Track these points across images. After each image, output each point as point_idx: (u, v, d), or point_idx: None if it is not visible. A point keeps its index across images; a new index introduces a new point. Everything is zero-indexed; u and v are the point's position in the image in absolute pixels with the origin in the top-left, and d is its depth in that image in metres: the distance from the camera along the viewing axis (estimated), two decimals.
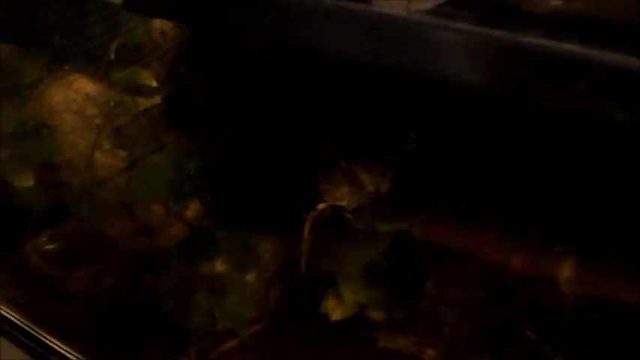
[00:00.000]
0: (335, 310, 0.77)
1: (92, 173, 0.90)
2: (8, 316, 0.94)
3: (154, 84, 0.95)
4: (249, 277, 0.85)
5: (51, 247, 1.01)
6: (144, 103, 0.95)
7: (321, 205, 0.71)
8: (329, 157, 0.73)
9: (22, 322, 0.93)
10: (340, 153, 0.73)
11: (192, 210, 0.86)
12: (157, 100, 0.96)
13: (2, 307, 0.94)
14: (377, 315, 0.74)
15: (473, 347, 0.67)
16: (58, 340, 0.93)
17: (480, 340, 0.67)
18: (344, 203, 0.71)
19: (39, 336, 0.94)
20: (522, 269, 0.60)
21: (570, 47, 0.39)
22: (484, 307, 0.66)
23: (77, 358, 0.91)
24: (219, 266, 0.85)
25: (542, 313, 0.63)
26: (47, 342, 0.93)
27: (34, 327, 0.94)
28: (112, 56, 0.97)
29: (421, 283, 0.71)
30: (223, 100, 0.90)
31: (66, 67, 0.96)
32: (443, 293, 0.69)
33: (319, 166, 0.73)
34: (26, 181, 0.92)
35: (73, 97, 0.93)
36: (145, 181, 0.84)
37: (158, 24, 0.91)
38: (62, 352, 0.92)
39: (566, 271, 0.57)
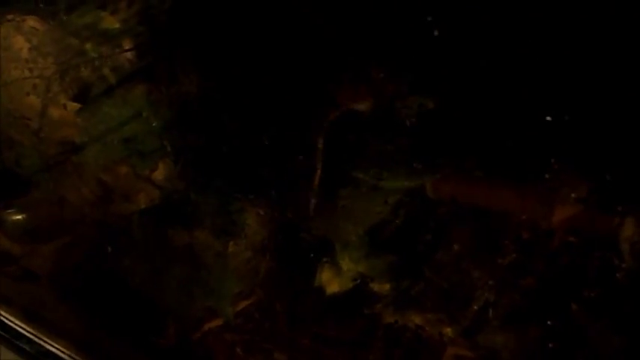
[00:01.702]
0: (331, 283, 0.65)
1: (46, 131, 0.77)
2: None
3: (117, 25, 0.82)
4: (233, 247, 0.73)
5: (13, 219, 0.90)
6: (109, 52, 0.82)
7: (336, 113, 0.58)
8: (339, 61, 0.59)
9: None
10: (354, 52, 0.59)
11: (162, 171, 0.73)
12: (124, 48, 0.83)
13: None
14: (381, 287, 0.63)
15: (499, 325, 0.55)
16: (23, 321, 0.82)
17: (509, 315, 0.55)
18: (362, 107, 0.58)
19: (2, 317, 0.84)
20: (569, 225, 0.48)
21: None
22: (514, 275, 0.54)
23: (44, 341, 0.81)
24: (197, 235, 0.73)
25: (591, 280, 0.50)
26: (11, 323, 0.83)
27: None
28: None
29: (435, 249, 0.58)
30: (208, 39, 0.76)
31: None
32: (461, 261, 0.57)
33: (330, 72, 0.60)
34: None
35: (22, 42, 0.79)
36: (100, 136, 0.71)
37: None
38: (28, 335, 0.82)
39: (628, 228, 0.44)
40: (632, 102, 0.47)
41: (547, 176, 0.49)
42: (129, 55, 0.81)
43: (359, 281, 0.64)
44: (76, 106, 0.77)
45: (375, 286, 0.63)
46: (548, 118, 0.47)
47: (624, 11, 0.44)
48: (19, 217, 0.89)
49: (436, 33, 0.48)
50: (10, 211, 0.89)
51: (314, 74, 0.62)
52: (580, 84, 0.48)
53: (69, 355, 0.80)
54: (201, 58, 0.75)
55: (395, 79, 0.56)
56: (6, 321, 0.83)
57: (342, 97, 0.60)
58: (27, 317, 0.83)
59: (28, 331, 0.82)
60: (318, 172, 0.63)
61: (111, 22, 0.82)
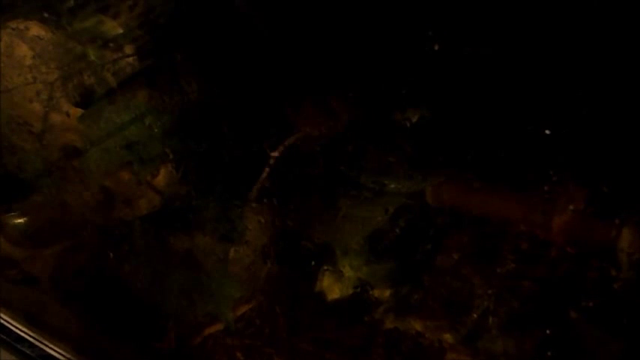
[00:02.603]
0: (332, 289, 0.66)
1: (48, 137, 0.77)
2: None
3: (120, 31, 0.82)
4: (234, 253, 0.73)
5: (14, 223, 0.90)
6: (111, 56, 0.82)
7: (291, 139, 0.59)
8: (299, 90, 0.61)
9: None
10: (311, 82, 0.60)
11: (164, 177, 0.74)
12: (126, 53, 0.83)
13: None
14: (382, 294, 0.63)
15: (499, 332, 0.56)
16: (24, 324, 0.83)
17: (508, 323, 0.55)
18: (316, 133, 0.59)
19: (3, 321, 0.84)
20: (567, 235, 0.48)
21: None
22: (513, 283, 0.55)
23: (45, 345, 0.81)
24: (198, 241, 0.73)
25: (589, 290, 0.51)
26: (12, 327, 0.83)
27: None
28: (72, 3, 0.84)
29: (434, 257, 0.59)
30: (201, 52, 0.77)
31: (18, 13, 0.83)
32: (460, 269, 0.57)
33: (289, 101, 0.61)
34: None
35: (25, 50, 0.80)
36: (102, 142, 0.71)
37: None
38: (29, 338, 0.82)
39: (625, 239, 0.45)
40: (628, 116, 0.47)
41: (546, 188, 0.49)
42: (131, 60, 0.81)
43: (359, 289, 0.64)
44: (78, 111, 0.77)
45: (376, 293, 0.63)
46: (547, 132, 0.47)
47: (619, 26, 0.44)
48: (20, 220, 0.89)
49: (436, 47, 0.49)
50: (11, 214, 0.89)
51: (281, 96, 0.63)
52: (577, 99, 0.48)
53: (69, 359, 0.80)
54: (202, 64, 0.75)
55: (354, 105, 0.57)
56: (7, 324, 0.83)
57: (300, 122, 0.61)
58: (28, 321, 0.83)
59: (29, 335, 0.82)
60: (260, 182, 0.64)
61: (113, 27, 0.82)
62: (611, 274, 0.49)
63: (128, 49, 0.82)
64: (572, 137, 0.49)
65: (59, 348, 0.80)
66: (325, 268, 0.66)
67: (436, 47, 0.48)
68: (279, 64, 0.62)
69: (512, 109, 0.52)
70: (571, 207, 0.49)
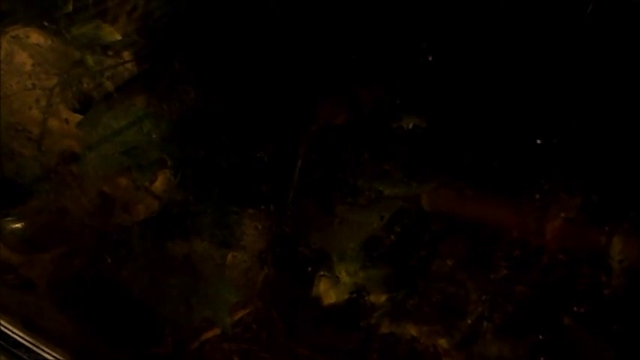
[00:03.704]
0: (328, 294, 0.66)
1: (47, 143, 0.78)
2: None
3: (118, 37, 0.82)
4: (232, 259, 0.74)
5: (12, 227, 0.90)
6: (108, 62, 0.83)
7: (313, 127, 0.60)
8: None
9: None
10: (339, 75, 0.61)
11: (161, 182, 0.74)
12: (124, 58, 0.83)
13: None
14: (377, 299, 0.64)
15: (494, 338, 0.56)
16: (21, 330, 0.83)
17: (503, 328, 0.56)
18: (338, 122, 0.60)
19: (0, 326, 0.84)
20: (559, 242, 0.49)
21: None
22: (507, 289, 0.56)
23: (42, 350, 0.82)
24: (196, 246, 0.74)
25: (581, 296, 0.52)
26: (9, 332, 0.83)
27: None
28: (70, 8, 0.84)
29: (429, 262, 0.60)
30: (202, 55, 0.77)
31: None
32: (455, 275, 0.58)
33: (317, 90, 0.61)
34: None
35: (25, 57, 0.80)
36: (100, 148, 0.72)
37: None
38: (26, 343, 0.82)
39: (616, 246, 0.46)
40: (618, 125, 0.48)
41: (538, 196, 0.50)
42: (129, 65, 0.82)
43: (355, 294, 0.65)
44: (77, 117, 0.77)
45: (372, 298, 0.64)
46: (539, 142, 0.48)
47: (611, 40, 0.45)
48: (18, 225, 0.90)
49: (430, 58, 0.50)
50: (9, 219, 0.89)
51: (302, 89, 0.64)
52: (569, 109, 0.49)
53: None
54: (200, 70, 0.75)
55: (374, 96, 0.58)
56: (4, 330, 0.83)
57: (321, 112, 0.61)
58: (25, 326, 0.83)
59: (26, 340, 0.82)
60: (296, 174, 0.64)
61: (110, 32, 0.83)
62: (602, 280, 0.50)
63: (126, 55, 0.82)
64: (564, 147, 0.50)
65: (56, 353, 0.81)
66: (321, 273, 0.66)
67: (430, 58, 0.49)
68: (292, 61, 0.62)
69: (506, 119, 0.53)
70: (563, 215, 0.50)
